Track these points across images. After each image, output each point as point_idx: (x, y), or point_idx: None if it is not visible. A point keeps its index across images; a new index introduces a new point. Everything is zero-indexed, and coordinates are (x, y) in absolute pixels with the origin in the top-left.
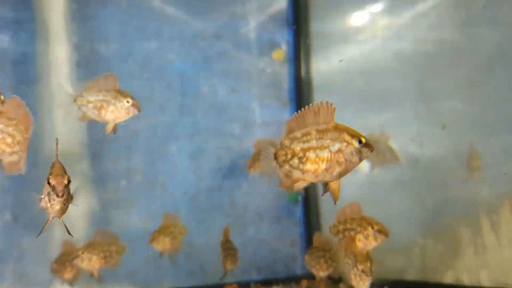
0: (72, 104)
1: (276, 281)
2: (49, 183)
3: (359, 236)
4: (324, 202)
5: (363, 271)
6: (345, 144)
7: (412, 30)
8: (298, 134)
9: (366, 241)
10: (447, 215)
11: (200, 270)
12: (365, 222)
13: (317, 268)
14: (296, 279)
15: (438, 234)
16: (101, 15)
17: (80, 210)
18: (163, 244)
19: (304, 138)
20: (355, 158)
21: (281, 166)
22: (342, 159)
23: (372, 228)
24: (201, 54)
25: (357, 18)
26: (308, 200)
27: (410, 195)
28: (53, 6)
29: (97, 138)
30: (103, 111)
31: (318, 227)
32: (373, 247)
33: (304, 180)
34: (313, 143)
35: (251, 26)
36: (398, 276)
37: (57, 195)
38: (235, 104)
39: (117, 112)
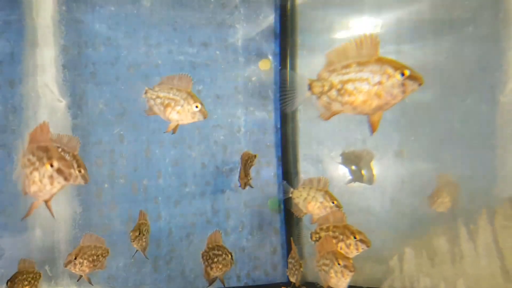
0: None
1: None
2: (51, 165)
3: (341, 245)
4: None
5: (345, 266)
6: (386, 76)
7: (395, 43)
8: (338, 66)
9: (347, 250)
10: (426, 223)
11: (181, 276)
12: (348, 230)
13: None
14: (276, 287)
15: (416, 242)
16: (89, 18)
17: (62, 213)
18: (141, 242)
19: (344, 71)
20: (396, 91)
21: (318, 98)
22: (381, 92)
23: (355, 237)
24: (188, 60)
25: (343, 31)
26: (289, 209)
27: (389, 203)
28: (41, 7)
29: (81, 140)
30: (169, 109)
31: (298, 235)
32: (353, 256)
33: (343, 112)
34: (353, 75)
35: (239, 35)
36: (376, 284)
37: (65, 179)
38: (221, 111)
39: (183, 113)
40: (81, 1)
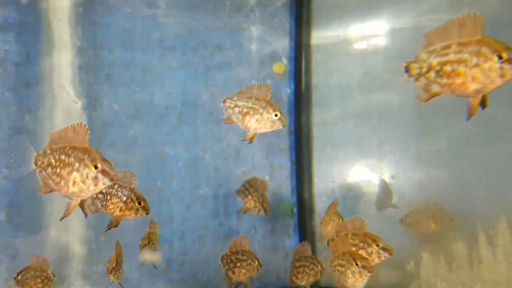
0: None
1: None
2: (96, 167)
3: (362, 252)
4: (318, 214)
5: (363, 266)
6: (483, 58)
7: (413, 46)
8: (437, 47)
9: (369, 258)
10: (443, 228)
11: (193, 278)
12: (369, 238)
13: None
14: None
15: (433, 247)
16: (106, 21)
17: (76, 214)
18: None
19: (443, 52)
20: (494, 75)
21: (416, 79)
22: (478, 75)
23: (377, 245)
24: (203, 63)
25: (359, 33)
26: (303, 213)
27: (407, 208)
28: (58, 9)
29: (95, 142)
30: (247, 118)
31: (312, 240)
32: (374, 264)
33: (442, 93)
34: (452, 56)
35: (253, 39)
36: None
37: (111, 179)
38: None
39: (262, 122)
40: (98, 3)
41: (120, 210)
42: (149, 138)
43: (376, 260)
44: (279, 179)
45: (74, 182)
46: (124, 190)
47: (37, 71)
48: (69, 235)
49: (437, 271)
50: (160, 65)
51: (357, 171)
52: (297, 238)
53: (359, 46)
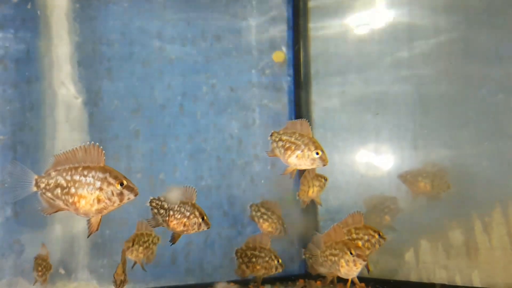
0: None
1: (273, 280)
2: (121, 184)
3: (367, 244)
4: (321, 201)
5: (358, 255)
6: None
7: (410, 35)
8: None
9: (373, 249)
10: (441, 216)
11: (198, 269)
12: (371, 230)
13: None
14: (293, 279)
15: (432, 235)
16: (103, 15)
17: None
18: (136, 254)
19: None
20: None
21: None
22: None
23: (379, 235)
24: (202, 54)
25: (356, 21)
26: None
27: (405, 195)
28: (55, 5)
29: (98, 136)
30: (288, 153)
31: (315, 228)
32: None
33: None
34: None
35: (252, 28)
36: (392, 276)
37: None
38: (235, 104)
39: (302, 159)
40: None
41: (184, 225)
42: (151, 131)
43: (377, 247)
44: (281, 168)
45: (99, 200)
46: (187, 206)
47: (37, 67)
48: (74, 229)
49: (435, 259)
50: (159, 57)
51: (357, 157)
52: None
53: (357, 33)
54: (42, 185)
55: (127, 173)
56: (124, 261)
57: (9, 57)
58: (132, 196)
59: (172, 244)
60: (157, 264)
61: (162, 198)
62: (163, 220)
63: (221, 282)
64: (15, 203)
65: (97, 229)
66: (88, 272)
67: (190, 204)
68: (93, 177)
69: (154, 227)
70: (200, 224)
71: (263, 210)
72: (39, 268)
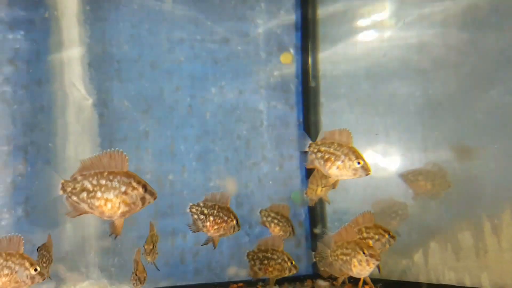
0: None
1: (281, 280)
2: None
3: (378, 244)
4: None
5: (371, 255)
6: None
7: (418, 35)
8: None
9: (383, 248)
10: (450, 218)
11: (207, 268)
12: (381, 229)
13: None
14: (301, 279)
15: (441, 236)
16: (113, 17)
17: None
18: (153, 255)
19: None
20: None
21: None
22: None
23: (389, 234)
24: (210, 56)
25: (364, 23)
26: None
27: (413, 198)
28: (66, 7)
29: (107, 138)
30: (329, 164)
31: (322, 232)
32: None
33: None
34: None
35: (260, 30)
36: (401, 277)
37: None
38: (243, 106)
39: (343, 169)
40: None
41: (223, 229)
42: (160, 132)
43: (387, 246)
44: (289, 169)
45: (124, 203)
46: (224, 211)
47: (47, 69)
48: (85, 229)
49: (444, 260)
50: (168, 59)
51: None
52: (308, 227)
53: (366, 35)
54: (69, 189)
55: (136, 173)
56: (153, 233)
57: (19, 58)
58: (152, 200)
59: (204, 244)
60: (167, 264)
61: (201, 204)
62: (203, 226)
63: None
64: (26, 202)
65: (120, 232)
66: (98, 271)
67: (226, 208)
68: (118, 181)
69: (194, 231)
70: (234, 227)
71: (273, 214)
72: (44, 260)
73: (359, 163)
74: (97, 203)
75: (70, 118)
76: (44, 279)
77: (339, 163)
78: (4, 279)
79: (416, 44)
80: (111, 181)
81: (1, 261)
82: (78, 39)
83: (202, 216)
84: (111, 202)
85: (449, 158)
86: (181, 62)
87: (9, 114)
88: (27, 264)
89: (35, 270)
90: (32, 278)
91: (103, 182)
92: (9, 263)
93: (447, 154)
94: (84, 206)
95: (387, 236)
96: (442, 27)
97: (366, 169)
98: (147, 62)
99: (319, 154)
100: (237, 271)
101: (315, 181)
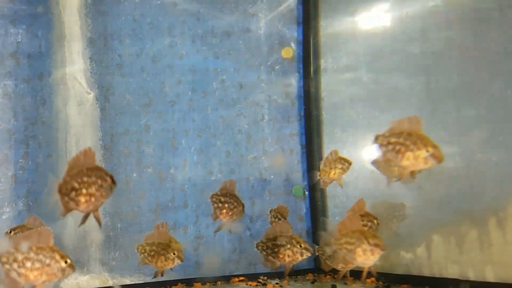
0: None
1: (282, 274)
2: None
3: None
4: (330, 197)
5: (376, 244)
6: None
7: (420, 29)
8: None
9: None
10: (454, 211)
11: (208, 262)
12: (371, 216)
13: None
14: (302, 273)
15: (444, 230)
16: (115, 11)
17: None
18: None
19: None
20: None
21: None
22: None
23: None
24: (212, 50)
25: (366, 17)
26: (314, 196)
27: (416, 190)
28: (68, 1)
29: (109, 131)
30: (399, 156)
31: (323, 222)
32: None
33: None
34: None
35: (261, 24)
36: (404, 271)
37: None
38: (244, 100)
39: (414, 159)
40: None
41: (235, 215)
42: (161, 126)
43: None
44: (290, 163)
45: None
46: (233, 197)
47: (49, 62)
48: (86, 223)
49: (448, 253)
50: (170, 53)
51: (366, 153)
52: (309, 221)
53: (367, 28)
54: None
55: (137, 168)
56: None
57: (21, 52)
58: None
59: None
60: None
61: (218, 193)
62: (220, 213)
63: None
64: (27, 196)
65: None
66: (100, 265)
67: (234, 195)
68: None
69: (215, 220)
70: (242, 211)
71: (279, 216)
72: None
73: (427, 151)
74: (84, 199)
75: (71, 112)
76: (74, 271)
77: (409, 153)
78: (35, 272)
79: (418, 38)
80: (89, 176)
81: (32, 254)
82: (79, 33)
83: (220, 205)
84: (93, 196)
85: (452, 152)
86: (182, 56)
87: (11, 108)
88: (57, 257)
89: (65, 262)
90: (63, 270)
91: (85, 179)
92: (40, 256)
93: (448, 147)
94: (72, 204)
95: (375, 222)
96: (444, 20)
97: (437, 156)
98: (149, 56)
99: (390, 147)
100: (238, 265)
101: (328, 163)
